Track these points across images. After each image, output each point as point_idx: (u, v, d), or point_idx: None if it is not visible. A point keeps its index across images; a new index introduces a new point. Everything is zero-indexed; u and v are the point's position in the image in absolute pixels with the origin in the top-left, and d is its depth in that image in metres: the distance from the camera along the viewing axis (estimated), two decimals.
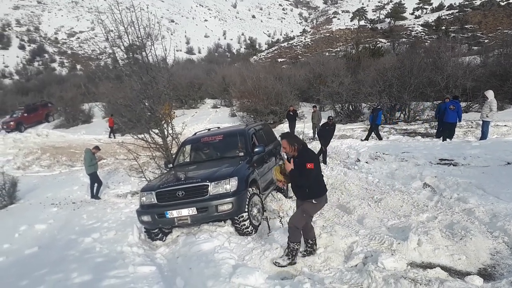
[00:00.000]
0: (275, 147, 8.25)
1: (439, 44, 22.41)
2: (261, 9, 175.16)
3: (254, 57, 75.53)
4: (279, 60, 66.02)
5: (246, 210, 5.55)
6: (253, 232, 5.67)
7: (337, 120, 19.96)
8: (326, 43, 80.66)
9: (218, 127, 8.90)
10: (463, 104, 16.16)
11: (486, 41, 55.87)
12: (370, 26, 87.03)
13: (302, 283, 3.89)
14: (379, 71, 19.88)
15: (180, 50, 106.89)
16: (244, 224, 5.56)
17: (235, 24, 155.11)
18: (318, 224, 5.40)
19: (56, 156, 16.71)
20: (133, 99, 9.23)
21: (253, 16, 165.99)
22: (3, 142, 20.07)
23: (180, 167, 7.02)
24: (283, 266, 4.48)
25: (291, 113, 16.82)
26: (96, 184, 10.57)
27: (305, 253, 4.74)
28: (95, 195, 10.47)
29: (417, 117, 18.50)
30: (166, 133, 9.52)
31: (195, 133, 8.08)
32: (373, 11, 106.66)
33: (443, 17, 75.64)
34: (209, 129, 8.31)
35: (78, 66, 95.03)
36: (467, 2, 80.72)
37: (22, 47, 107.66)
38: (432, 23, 72.57)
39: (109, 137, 20.88)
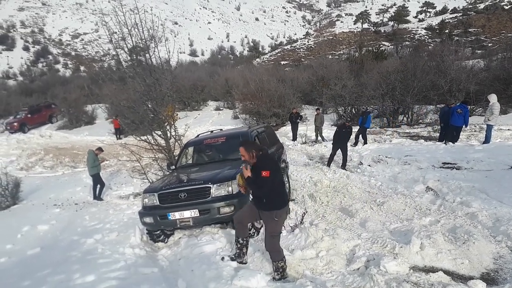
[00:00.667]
0: (277, 149, 8.25)
1: (442, 48, 22.36)
2: (264, 11, 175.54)
3: (257, 59, 75.78)
4: (282, 62, 66.18)
5: None
6: (255, 235, 5.65)
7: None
8: (329, 46, 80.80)
9: (221, 129, 8.90)
10: None
11: (489, 44, 55.82)
12: (373, 29, 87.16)
13: (304, 286, 3.89)
14: (382, 74, 19.86)
15: (184, 52, 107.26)
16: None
17: (239, 27, 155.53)
18: (320, 227, 5.39)
19: (59, 157, 16.76)
20: (136, 101, 9.26)
21: (257, 19, 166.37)
22: (7, 142, 20.15)
23: (182, 169, 7.03)
24: (278, 280, 4.34)
25: (294, 115, 16.81)
26: (98, 186, 10.58)
27: (233, 256, 4.66)
28: (97, 197, 10.49)
29: (420, 121, 18.45)
30: (169, 135, 9.54)
31: (197, 135, 8.09)
32: (376, 14, 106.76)
33: (447, 20, 75.67)
34: (211, 131, 8.31)
35: (82, 68, 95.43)
36: (471, 6, 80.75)
37: (26, 49, 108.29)
38: (436, 27, 72.65)
39: (118, 138, 20.83)
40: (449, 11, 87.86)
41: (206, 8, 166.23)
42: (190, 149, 7.74)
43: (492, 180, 7.38)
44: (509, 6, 73.19)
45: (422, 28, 77.37)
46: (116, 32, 9.38)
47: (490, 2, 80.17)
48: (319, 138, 16.31)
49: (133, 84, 9.32)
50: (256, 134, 7.49)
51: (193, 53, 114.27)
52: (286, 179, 8.22)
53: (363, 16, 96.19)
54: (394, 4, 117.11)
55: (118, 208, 8.96)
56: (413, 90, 17.71)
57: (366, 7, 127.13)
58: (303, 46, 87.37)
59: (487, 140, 11.21)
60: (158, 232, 6.02)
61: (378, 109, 19.24)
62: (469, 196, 6.53)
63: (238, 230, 4.66)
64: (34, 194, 11.31)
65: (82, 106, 28.30)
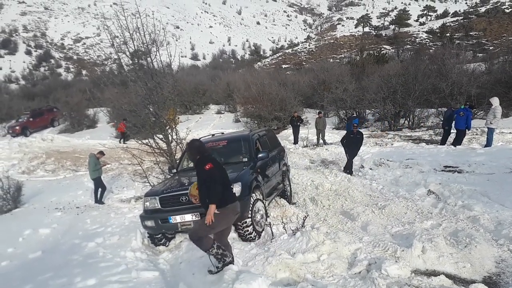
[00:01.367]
0: (278, 153, 8.26)
1: (443, 51, 22.37)
2: (265, 15, 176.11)
3: (259, 63, 75.82)
4: (284, 66, 66.30)
5: (250, 215, 5.54)
6: (256, 238, 5.65)
7: (341, 126, 19.95)
8: (331, 50, 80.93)
9: (222, 133, 8.93)
10: None
11: (491, 48, 55.83)
12: (374, 33, 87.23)
13: None
14: (384, 77, 19.88)
15: (185, 56, 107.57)
16: (248, 230, 5.54)
17: (240, 31, 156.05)
18: (321, 231, 5.38)
19: (60, 161, 16.78)
20: (138, 105, 9.29)
21: (258, 23, 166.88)
22: (9, 146, 20.16)
23: (184, 172, 7.02)
24: (217, 272, 4.35)
25: (295, 119, 16.82)
26: (100, 189, 10.60)
27: (219, 266, 4.40)
28: (99, 200, 10.51)
29: (422, 124, 18.44)
30: (170, 138, 9.54)
31: (199, 139, 8.09)
32: (377, 18, 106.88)
33: (448, 24, 75.71)
34: (213, 135, 8.32)
35: (84, 72, 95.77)
36: (472, 9, 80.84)
37: (28, 53, 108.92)
38: (437, 30, 72.69)
39: (124, 142, 20.74)
40: (450, 14, 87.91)
41: (207, 12, 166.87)
42: None
43: (494, 184, 7.36)
44: (510, 10, 73.21)
45: (423, 31, 77.44)
46: (118, 36, 9.42)
47: (491, 5, 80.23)
48: (321, 141, 16.32)
49: (135, 88, 9.36)
50: (258, 137, 7.51)
51: (194, 57, 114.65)
52: (287, 182, 8.24)
53: (364, 20, 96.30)
54: (395, 8, 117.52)
55: (119, 211, 8.97)
56: (415, 93, 17.73)
57: (367, 10, 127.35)
58: (304, 49, 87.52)
59: (488, 143, 11.20)
60: (159, 235, 6.02)
61: (379, 112, 19.25)
62: (471, 200, 6.50)
63: (203, 245, 4.30)
64: (35, 198, 11.33)
65: (84, 110, 28.40)
